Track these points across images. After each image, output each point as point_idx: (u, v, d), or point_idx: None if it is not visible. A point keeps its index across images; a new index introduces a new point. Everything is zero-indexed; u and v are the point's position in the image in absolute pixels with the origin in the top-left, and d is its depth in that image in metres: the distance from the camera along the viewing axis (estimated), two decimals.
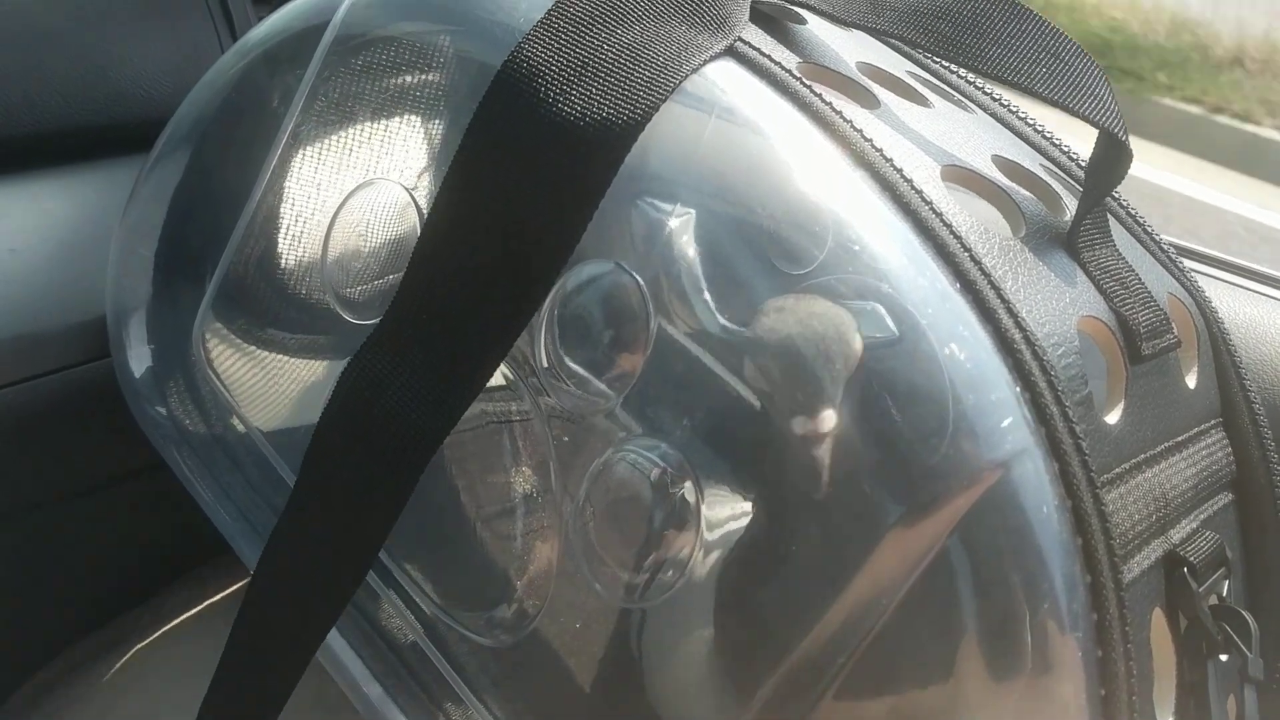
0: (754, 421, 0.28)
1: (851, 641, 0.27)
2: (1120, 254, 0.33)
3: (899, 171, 0.29)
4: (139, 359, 0.43)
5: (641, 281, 0.29)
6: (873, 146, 0.29)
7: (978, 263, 0.28)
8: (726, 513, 0.29)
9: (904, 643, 0.27)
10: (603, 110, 0.27)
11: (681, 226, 0.30)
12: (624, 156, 0.27)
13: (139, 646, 0.51)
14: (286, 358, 0.41)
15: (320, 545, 0.30)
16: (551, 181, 0.27)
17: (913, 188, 0.29)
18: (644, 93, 0.28)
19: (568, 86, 0.28)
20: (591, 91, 0.28)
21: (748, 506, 0.28)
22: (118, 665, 0.50)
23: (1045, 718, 0.25)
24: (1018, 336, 0.27)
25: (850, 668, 0.27)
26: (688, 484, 0.28)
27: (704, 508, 0.28)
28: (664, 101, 0.28)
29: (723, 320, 0.29)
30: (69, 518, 0.50)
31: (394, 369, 0.28)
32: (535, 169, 0.27)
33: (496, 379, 0.32)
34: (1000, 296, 0.27)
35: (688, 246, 0.29)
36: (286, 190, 0.39)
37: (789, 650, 0.28)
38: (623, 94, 0.28)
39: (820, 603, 0.27)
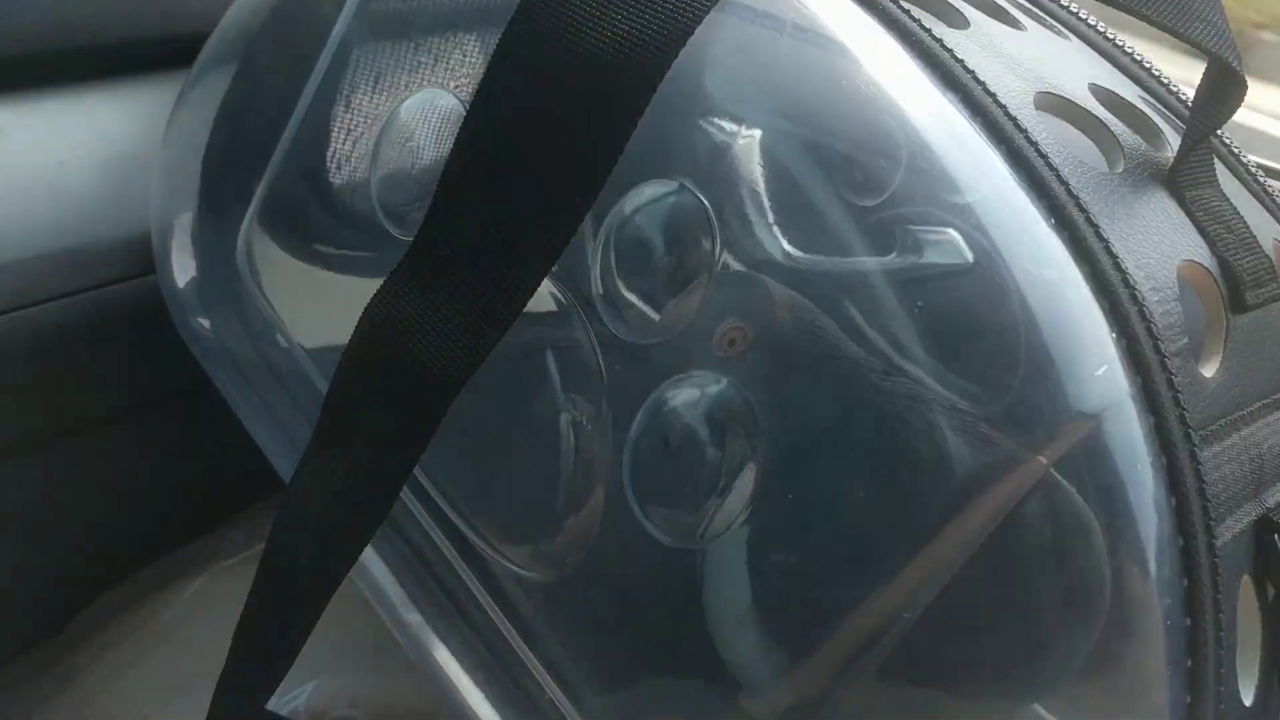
0: (820, 358, 0.27)
1: (918, 599, 0.25)
2: (1225, 196, 0.30)
3: (991, 95, 0.27)
4: (183, 273, 0.42)
5: (708, 203, 0.27)
6: (964, 68, 0.27)
7: (1074, 197, 0.26)
8: (788, 453, 0.27)
9: (975, 602, 0.25)
10: (639, 24, 0.25)
11: (748, 148, 0.28)
12: (661, 75, 0.25)
13: (200, 579, 0.50)
14: (332, 274, 0.39)
15: (342, 486, 0.29)
16: (583, 101, 0.25)
17: (1006, 113, 0.26)
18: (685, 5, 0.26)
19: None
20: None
21: (811, 447, 0.27)
22: (177, 599, 0.50)
23: (1126, 687, 0.24)
24: (1115, 278, 0.25)
25: (915, 626, 0.26)
26: (747, 421, 0.27)
27: (764, 446, 0.27)
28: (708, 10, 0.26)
29: (788, 248, 0.27)
30: (117, 439, 0.49)
31: (418, 308, 0.27)
32: (566, 87, 0.25)
33: (549, 305, 0.31)
34: (1098, 234, 0.25)
35: (754, 170, 0.27)
36: (335, 100, 0.38)
37: (851, 605, 0.26)
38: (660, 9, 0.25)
39: (885, 557, 0.26)
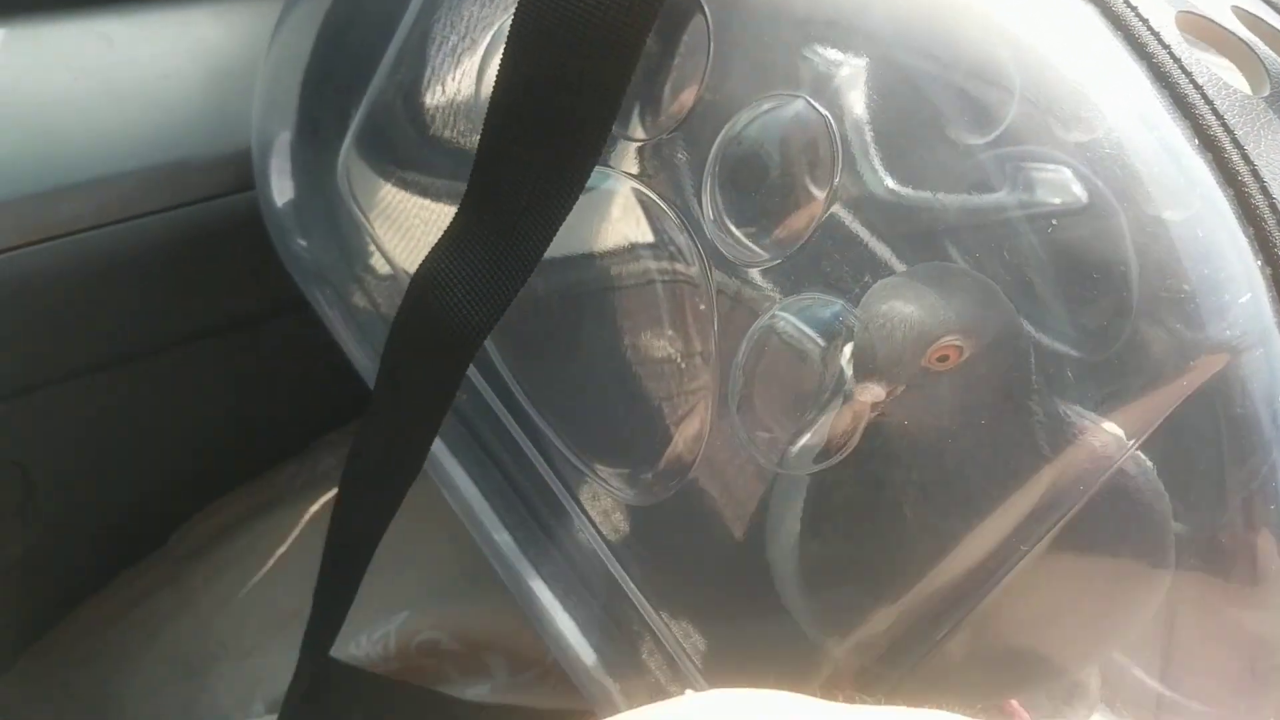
0: (931, 291, 0.26)
1: (1029, 536, 0.25)
2: None
3: (1134, 9, 0.25)
4: (282, 191, 0.42)
5: (830, 117, 0.26)
6: None
7: (1220, 117, 0.24)
8: (897, 385, 0.26)
9: (1094, 540, 0.24)
10: None
11: (854, 76, 0.27)
12: (643, 36, 0.26)
13: (299, 505, 0.51)
14: (430, 201, 0.39)
15: (392, 434, 0.33)
16: (577, 59, 0.26)
17: (1149, 29, 0.25)
18: None
19: None
20: None
21: (921, 381, 0.26)
22: (278, 524, 0.51)
23: (1256, 635, 0.23)
24: (1262, 204, 0.23)
25: (1023, 567, 0.25)
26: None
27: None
28: None
29: (891, 184, 0.26)
30: (215, 353, 0.50)
31: (453, 265, 0.29)
32: (564, 47, 0.26)
33: (661, 228, 0.30)
34: (1245, 157, 0.24)
35: (860, 100, 0.26)
36: (437, 22, 0.37)
37: (954, 542, 0.26)
38: None
39: (994, 494, 0.25)
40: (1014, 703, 0.29)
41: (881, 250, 0.26)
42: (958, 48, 0.26)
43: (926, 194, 0.26)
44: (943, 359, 0.24)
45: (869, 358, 0.25)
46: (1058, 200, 0.24)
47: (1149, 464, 0.24)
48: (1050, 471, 0.24)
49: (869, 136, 0.27)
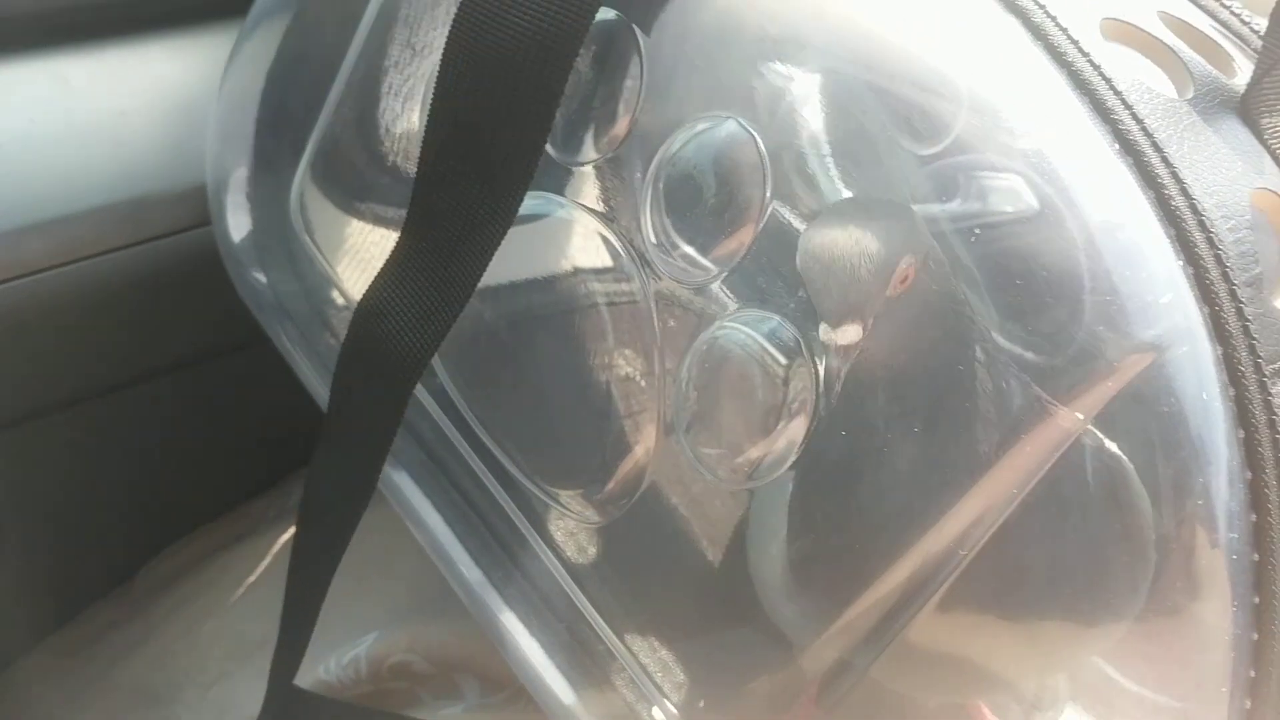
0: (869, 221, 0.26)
1: (971, 538, 0.25)
2: None
3: (1053, 19, 0.26)
4: (239, 226, 0.43)
5: (758, 137, 0.26)
6: None
7: (1139, 122, 0.25)
8: (841, 394, 0.27)
9: (1030, 543, 0.24)
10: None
11: (803, 91, 0.27)
12: (567, 66, 0.27)
13: (269, 535, 0.51)
14: (380, 231, 0.39)
15: (345, 451, 0.33)
16: (506, 89, 0.27)
17: (1068, 37, 0.25)
18: None
19: None
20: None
21: (865, 387, 0.26)
22: (244, 556, 0.51)
23: (1189, 626, 0.23)
24: (1182, 205, 0.24)
25: (966, 568, 0.25)
26: (800, 359, 0.26)
27: (817, 386, 0.26)
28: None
29: (848, 194, 0.26)
30: (177, 391, 0.50)
31: (394, 293, 0.30)
32: (493, 76, 0.27)
33: (601, 249, 0.31)
34: (1164, 160, 0.24)
35: (810, 115, 0.27)
36: (384, 53, 0.37)
37: (903, 546, 0.26)
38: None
39: (938, 499, 0.25)
40: (982, 707, 0.29)
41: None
42: (902, 60, 0.27)
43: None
44: (904, 280, 0.25)
45: (837, 299, 0.24)
46: (1009, 208, 0.25)
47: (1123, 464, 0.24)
48: (1002, 454, 0.24)
49: (823, 151, 0.27)
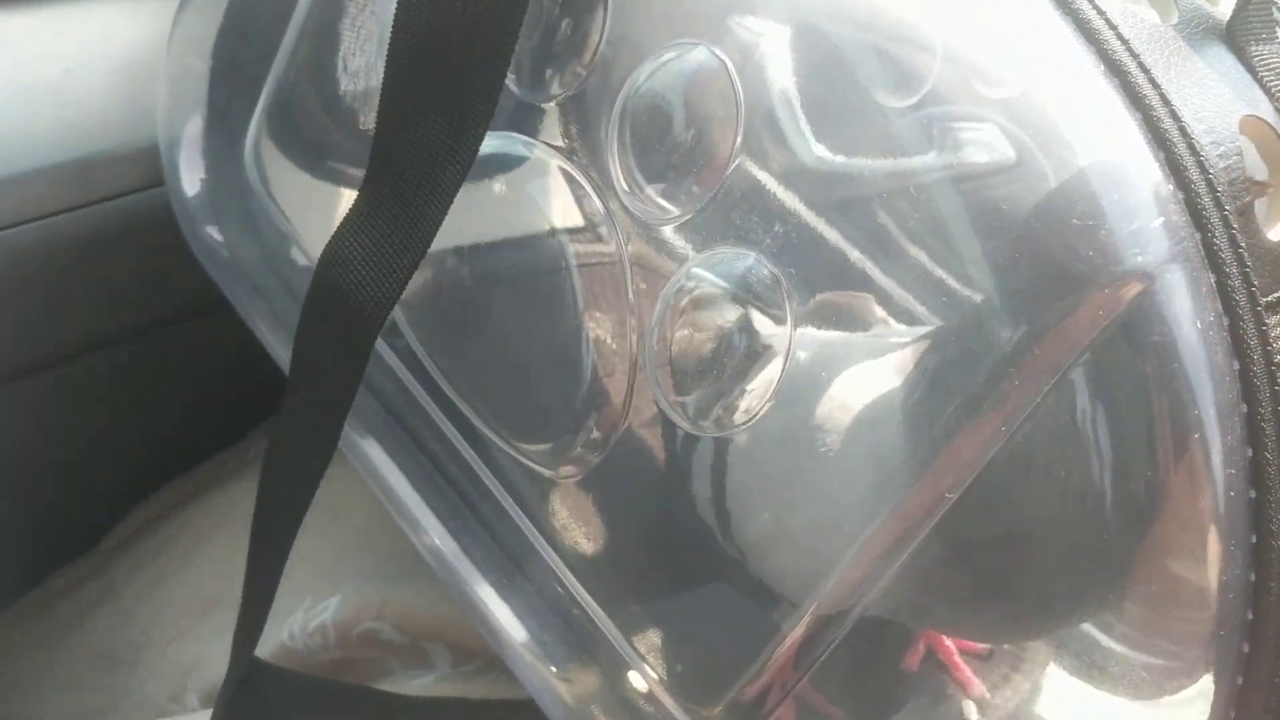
0: (851, 237, 0.25)
1: (957, 479, 0.24)
2: None
3: None
4: (193, 184, 0.41)
5: (729, 62, 0.25)
6: None
7: (1125, 42, 0.24)
8: (821, 334, 0.25)
9: (1019, 482, 0.23)
10: None
11: (778, 45, 0.26)
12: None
13: (225, 490, 0.50)
14: (340, 185, 0.38)
15: (308, 407, 0.32)
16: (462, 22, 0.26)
17: None
18: None
19: None
20: None
21: (845, 329, 0.25)
22: (204, 511, 0.50)
23: (1187, 565, 0.22)
24: (1171, 128, 0.23)
25: (953, 510, 0.24)
26: (777, 298, 0.25)
27: (794, 324, 0.25)
28: None
29: (818, 151, 0.25)
30: (135, 355, 0.49)
31: (356, 244, 0.29)
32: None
33: (568, 188, 0.29)
34: (1152, 81, 0.23)
35: (784, 66, 0.26)
36: None
37: (889, 491, 0.25)
38: None
39: (927, 440, 0.24)
40: (964, 667, 0.28)
41: (790, 200, 0.25)
42: (876, 9, 0.26)
43: (856, 159, 0.26)
44: None
45: None
46: (985, 158, 0.24)
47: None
48: (989, 391, 0.23)
49: (796, 104, 0.26)
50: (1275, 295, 0.24)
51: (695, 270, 0.26)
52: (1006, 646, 0.27)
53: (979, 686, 0.27)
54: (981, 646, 0.27)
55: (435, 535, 0.36)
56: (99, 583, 0.48)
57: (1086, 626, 0.24)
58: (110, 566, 0.48)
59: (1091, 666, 0.25)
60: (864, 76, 0.25)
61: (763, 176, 0.26)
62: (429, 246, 0.28)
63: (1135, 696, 0.24)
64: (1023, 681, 0.26)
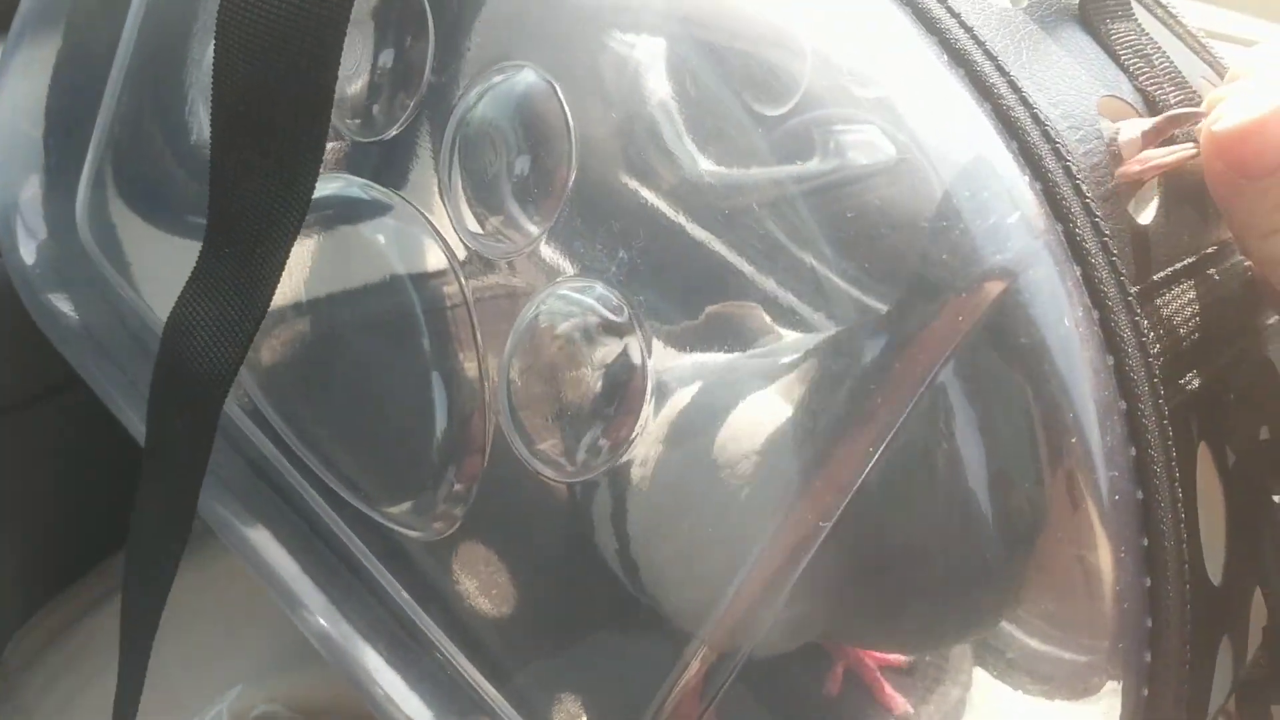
0: (706, 254, 0.23)
1: (828, 505, 0.22)
2: (1144, 29, 0.27)
3: None
4: (30, 252, 0.38)
5: (554, 83, 0.23)
6: None
7: (969, 30, 0.22)
8: (679, 360, 0.24)
9: (898, 502, 0.22)
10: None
11: (650, 61, 0.24)
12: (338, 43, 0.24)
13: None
14: (184, 244, 0.35)
15: (162, 485, 0.31)
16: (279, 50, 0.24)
17: None
18: None
19: None
20: None
21: (704, 353, 0.24)
22: (108, 615, 0.46)
23: (1076, 575, 0.21)
24: (1023, 115, 0.21)
25: (830, 536, 0.23)
26: (628, 326, 0.23)
27: (650, 354, 0.23)
28: None
29: (693, 164, 0.24)
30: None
31: (200, 309, 0.27)
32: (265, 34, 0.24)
33: (411, 243, 0.27)
34: (999, 68, 0.22)
35: (659, 84, 0.24)
36: (155, 46, 0.34)
37: (762, 523, 0.23)
38: None
39: (794, 461, 0.22)
40: (884, 684, 0.27)
41: (636, 222, 0.24)
42: (741, 15, 0.24)
43: (738, 171, 0.24)
44: None
45: None
46: (829, 166, 0.22)
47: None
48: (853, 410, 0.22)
49: (677, 119, 0.24)
50: (1147, 282, 0.23)
51: (542, 306, 0.25)
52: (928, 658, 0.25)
53: (902, 704, 0.25)
54: (899, 659, 0.25)
55: (316, 609, 0.33)
56: (9, 705, 0.44)
57: (990, 639, 0.23)
58: (18, 687, 0.45)
59: (1004, 672, 0.23)
60: (744, 86, 0.23)
61: (604, 200, 0.24)
62: (268, 304, 0.26)
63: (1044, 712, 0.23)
64: (950, 691, 0.25)
